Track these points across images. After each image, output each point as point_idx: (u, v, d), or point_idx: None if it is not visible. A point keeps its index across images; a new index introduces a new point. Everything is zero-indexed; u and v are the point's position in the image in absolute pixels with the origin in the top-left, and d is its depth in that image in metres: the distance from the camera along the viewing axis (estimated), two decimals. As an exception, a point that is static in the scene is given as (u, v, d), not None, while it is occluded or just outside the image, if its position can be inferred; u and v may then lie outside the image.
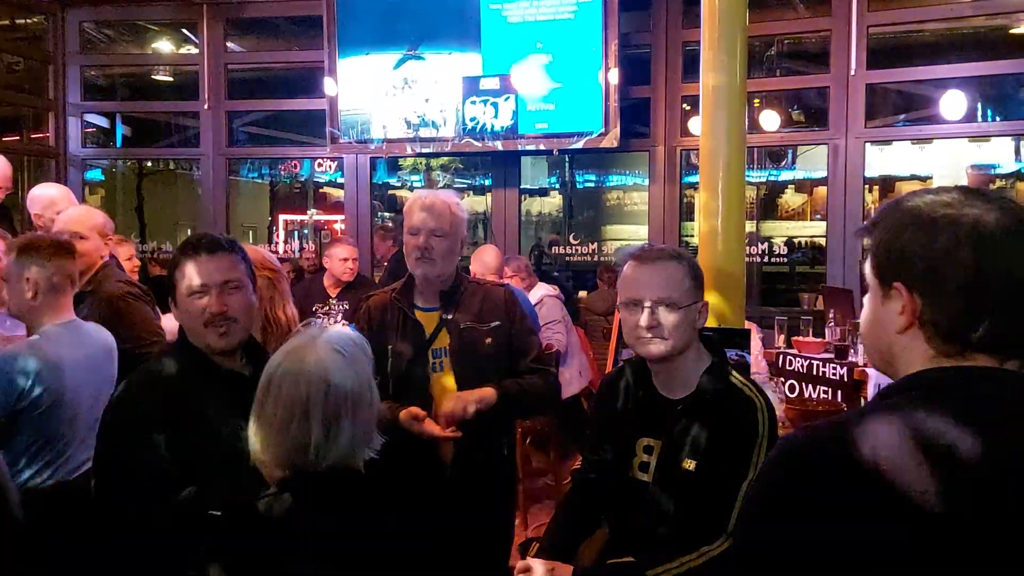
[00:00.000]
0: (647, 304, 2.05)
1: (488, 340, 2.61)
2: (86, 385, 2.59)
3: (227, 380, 2.03)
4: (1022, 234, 1.09)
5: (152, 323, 3.19)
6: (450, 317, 2.60)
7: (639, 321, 2.06)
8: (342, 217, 7.09)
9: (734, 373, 2.16)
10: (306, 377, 1.50)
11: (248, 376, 2.03)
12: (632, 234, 9.84)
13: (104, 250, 3.30)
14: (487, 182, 7.63)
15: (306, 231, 12.63)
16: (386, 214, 11.07)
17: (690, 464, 2.06)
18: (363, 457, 1.57)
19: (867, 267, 1.21)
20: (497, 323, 2.64)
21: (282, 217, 12.50)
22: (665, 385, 2.15)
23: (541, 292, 5.26)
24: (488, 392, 2.50)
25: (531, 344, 2.75)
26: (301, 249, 6.94)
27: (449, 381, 2.58)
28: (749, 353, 2.75)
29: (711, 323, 3.37)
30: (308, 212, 12.39)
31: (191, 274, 2.02)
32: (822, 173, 5.93)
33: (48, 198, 3.84)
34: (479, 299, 2.66)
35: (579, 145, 5.58)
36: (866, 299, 1.23)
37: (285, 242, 12.26)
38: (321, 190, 12.01)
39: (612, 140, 5.49)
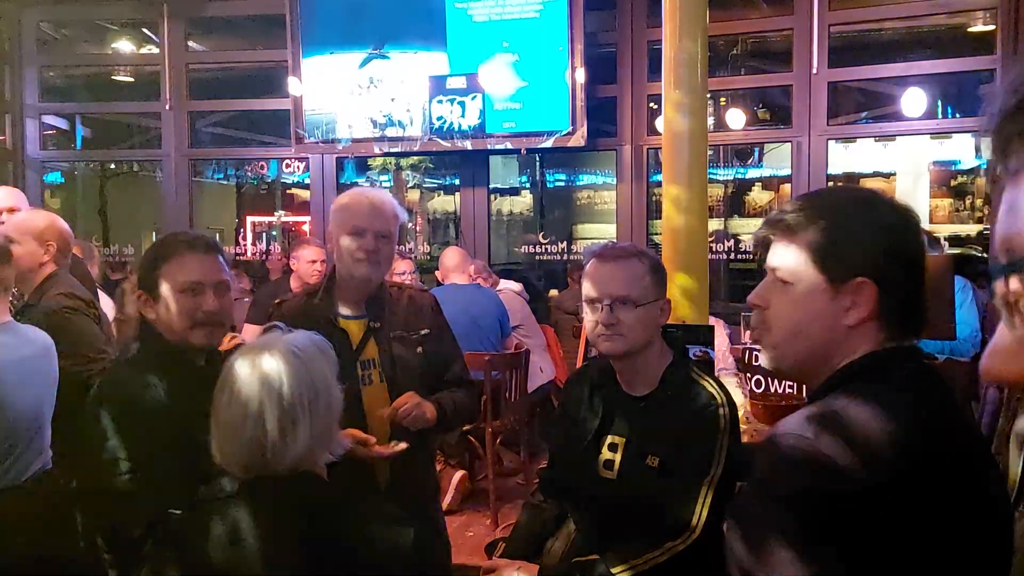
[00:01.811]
0: (606, 301, 2.07)
1: (419, 350, 2.48)
2: (25, 388, 2.52)
3: (187, 367, 2.00)
4: (917, 225, 1.25)
5: (93, 339, 2.99)
6: (378, 326, 2.45)
7: (598, 318, 2.08)
8: (310, 218, 7.01)
9: (695, 369, 2.18)
10: (260, 377, 1.50)
11: (203, 366, 2.05)
12: (602, 233, 9.86)
13: (44, 257, 3.06)
14: (457, 181, 7.61)
15: (274, 232, 12.51)
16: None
17: (654, 461, 2.08)
18: (324, 461, 1.57)
19: (804, 262, 1.24)
20: (426, 331, 2.51)
21: (249, 219, 12.35)
22: (628, 382, 2.17)
23: (505, 289, 5.29)
24: (431, 410, 2.37)
25: (456, 354, 2.63)
26: (267, 253, 6.85)
27: (382, 395, 2.43)
28: (714, 349, 2.77)
29: (676, 319, 3.42)
30: (276, 214, 12.28)
31: (187, 270, 2.00)
32: (788, 170, 5.98)
33: None
34: (404, 305, 2.53)
35: (547, 144, 5.58)
36: (786, 296, 1.26)
37: (253, 244, 12.14)
38: (289, 191, 11.90)
39: (579, 139, 5.50)
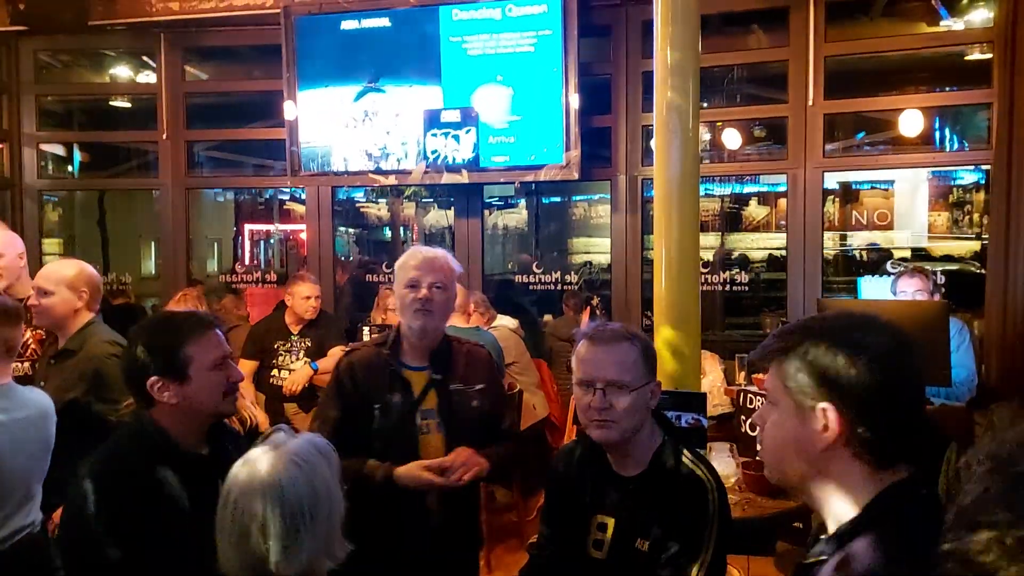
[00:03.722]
0: (599, 386, 2.09)
1: (475, 403, 2.64)
2: (17, 451, 2.55)
3: (192, 465, 2.04)
4: (911, 354, 1.26)
5: None
6: (439, 378, 2.61)
7: (591, 402, 2.10)
8: (306, 226, 6.93)
9: (686, 452, 2.19)
10: (261, 491, 1.52)
11: (207, 456, 2.10)
12: (598, 247, 9.89)
13: (78, 303, 3.21)
14: (451, 197, 7.60)
15: (272, 241, 12.55)
16: (350, 230, 11.02)
17: (643, 544, 2.10)
18: (326, 567, 1.59)
19: (778, 386, 1.31)
20: (482, 385, 2.67)
21: (247, 227, 12.40)
22: (618, 462, 2.19)
23: (501, 326, 5.29)
24: (485, 463, 2.54)
25: (506, 409, 2.85)
26: (263, 282, 6.82)
27: (437, 443, 2.58)
28: (705, 416, 2.77)
29: (665, 354, 3.43)
30: (273, 225, 12.34)
31: (214, 347, 2.12)
32: (785, 186, 5.95)
33: None
34: (464, 360, 2.70)
35: (541, 177, 5.58)
36: (771, 416, 1.33)
37: (251, 251, 12.21)
38: (285, 206, 11.93)
39: (573, 172, 5.49)
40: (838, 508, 1.27)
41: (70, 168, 7.96)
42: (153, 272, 8.42)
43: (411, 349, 2.64)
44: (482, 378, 2.68)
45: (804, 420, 1.26)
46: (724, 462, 2.81)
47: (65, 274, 3.22)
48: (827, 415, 1.24)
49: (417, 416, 2.58)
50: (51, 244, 8.08)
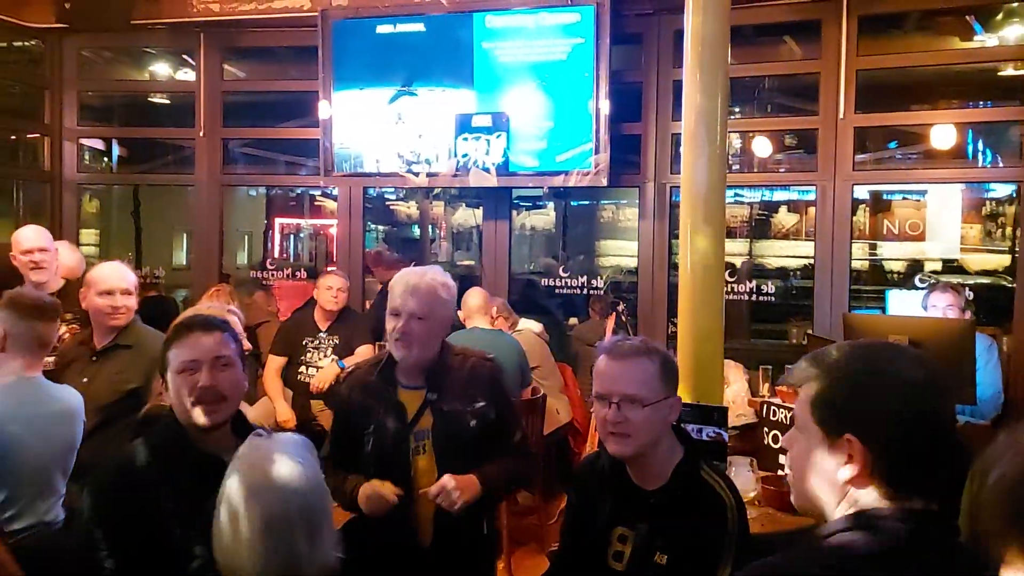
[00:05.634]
0: (614, 400, 2.12)
1: (472, 423, 2.57)
2: (34, 443, 2.60)
3: (200, 465, 1.97)
4: (941, 387, 1.28)
5: None
6: (435, 398, 2.56)
7: (607, 416, 2.13)
8: (336, 222, 7.00)
9: (706, 468, 2.22)
10: (279, 492, 1.53)
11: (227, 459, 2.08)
12: (625, 250, 9.87)
13: (135, 305, 3.48)
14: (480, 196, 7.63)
15: (301, 235, 12.69)
16: (380, 227, 11.11)
17: (662, 558, 2.14)
18: (334, 563, 1.61)
19: (805, 413, 1.33)
20: (482, 403, 2.60)
21: (278, 220, 12.55)
22: (639, 476, 2.22)
23: (525, 330, 5.33)
24: (474, 486, 2.46)
25: (514, 425, 2.73)
26: (293, 277, 6.92)
27: (429, 464, 2.54)
28: (726, 430, 2.80)
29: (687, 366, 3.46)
30: (303, 220, 12.48)
31: (184, 350, 2.06)
32: (815, 193, 5.93)
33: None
34: (465, 376, 2.62)
35: (570, 183, 5.62)
36: (798, 441, 1.35)
37: (281, 245, 12.36)
38: (315, 202, 12.05)
39: (602, 178, 5.52)
40: None
41: (107, 160, 8.10)
42: (184, 263, 8.54)
43: (407, 369, 2.60)
44: (483, 396, 2.61)
45: (830, 449, 1.29)
46: (744, 476, 2.83)
47: (134, 278, 3.52)
48: (852, 446, 1.26)
49: (411, 437, 2.55)
50: (87, 235, 8.25)
